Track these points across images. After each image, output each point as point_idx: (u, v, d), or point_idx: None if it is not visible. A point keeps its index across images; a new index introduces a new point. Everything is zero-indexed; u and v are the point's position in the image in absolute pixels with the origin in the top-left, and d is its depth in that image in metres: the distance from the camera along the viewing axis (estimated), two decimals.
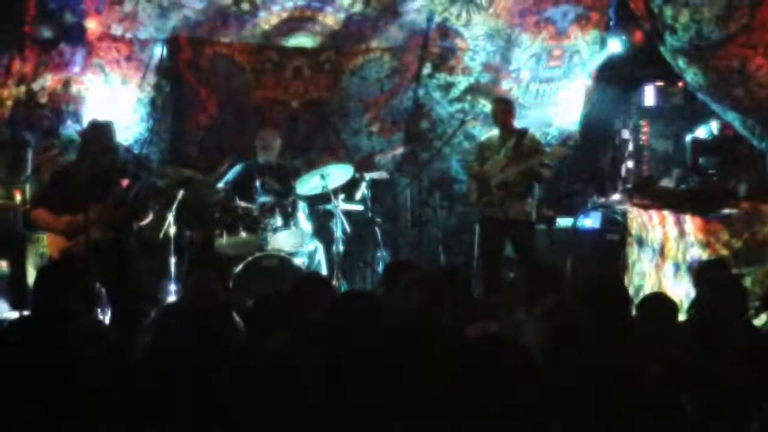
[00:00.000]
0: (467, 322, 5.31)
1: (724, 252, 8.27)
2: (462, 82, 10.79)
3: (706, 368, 4.28)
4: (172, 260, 8.71)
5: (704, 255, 8.32)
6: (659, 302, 5.72)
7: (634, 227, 9.46)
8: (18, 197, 9.44)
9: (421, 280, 5.18)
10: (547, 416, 3.71)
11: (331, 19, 10.20)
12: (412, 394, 3.91)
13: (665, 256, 8.85)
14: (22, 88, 9.60)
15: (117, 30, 9.77)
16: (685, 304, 7.86)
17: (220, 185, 9.30)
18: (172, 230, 8.76)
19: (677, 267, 8.60)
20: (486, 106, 10.56)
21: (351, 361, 4.11)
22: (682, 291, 8.22)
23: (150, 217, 7.87)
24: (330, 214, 9.56)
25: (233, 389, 3.94)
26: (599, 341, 4.38)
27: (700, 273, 6.67)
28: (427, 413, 3.80)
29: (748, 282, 7.90)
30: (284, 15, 10.09)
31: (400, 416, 3.85)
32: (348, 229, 9.47)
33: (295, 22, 10.16)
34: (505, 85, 10.80)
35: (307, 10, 10.09)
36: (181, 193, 8.71)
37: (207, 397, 3.97)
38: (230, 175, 9.45)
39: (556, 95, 10.98)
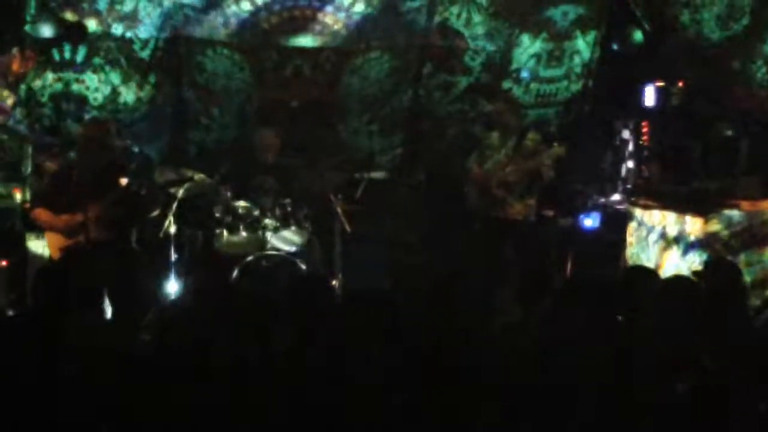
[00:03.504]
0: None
1: (724, 252, 8.26)
2: (462, 82, 10.79)
3: (710, 367, 4.28)
4: (173, 259, 8.71)
5: (704, 255, 8.32)
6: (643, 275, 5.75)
7: (633, 227, 9.45)
8: (18, 196, 9.44)
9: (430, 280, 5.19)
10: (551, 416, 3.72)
11: (331, 18, 10.19)
12: (420, 394, 3.92)
13: (665, 257, 8.85)
14: (23, 87, 9.61)
15: (117, 29, 9.76)
16: None
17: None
18: (173, 229, 8.76)
19: (677, 267, 8.59)
20: (486, 105, 10.56)
21: (355, 360, 4.11)
22: None
23: (157, 211, 7.89)
24: (330, 214, 9.54)
25: (232, 389, 3.95)
26: (597, 341, 4.39)
27: (707, 272, 6.63)
28: (431, 412, 3.81)
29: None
30: (285, 14, 10.08)
31: (404, 415, 3.86)
32: (348, 228, 9.45)
33: (295, 22, 10.15)
34: (505, 85, 10.80)
35: (308, 9, 10.08)
36: (181, 192, 8.73)
37: (207, 397, 3.97)
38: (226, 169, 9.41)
39: (556, 95, 10.98)
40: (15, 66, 9.45)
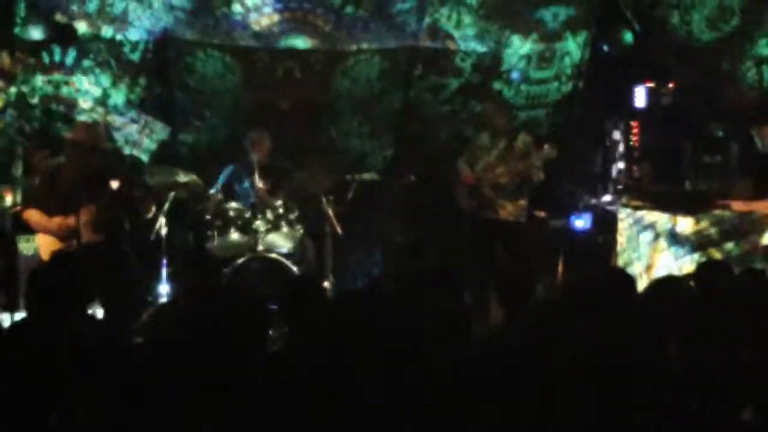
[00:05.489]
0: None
1: (716, 253, 8.28)
2: (453, 84, 10.79)
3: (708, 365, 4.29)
4: (164, 261, 8.70)
5: (695, 256, 8.33)
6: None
7: (624, 228, 9.46)
8: (8, 198, 9.41)
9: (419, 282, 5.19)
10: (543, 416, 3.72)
11: (321, 20, 10.19)
12: (413, 395, 3.91)
13: (656, 257, 8.86)
14: (13, 90, 9.59)
15: (107, 31, 9.76)
16: None
17: (213, 191, 9.27)
18: (164, 231, 8.76)
19: (668, 268, 8.61)
20: (477, 107, 10.57)
21: (350, 360, 4.11)
22: None
23: (152, 212, 7.90)
24: (321, 216, 9.54)
25: (227, 390, 3.94)
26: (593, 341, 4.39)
27: (699, 274, 6.62)
28: (426, 413, 3.81)
29: None
30: (275, 17, 10.08)
31: (400, 417, 3.85)
32: (339, 230, 9.44)
33: (286, 24, 10.15)
34: (496, 87, 10.81)
35: (298, 11, 10.08)
36: (172, 195, 8.73)
37: (201, 398, 3.97)
38: (222, 178, 9.43)
39: (547, 96, 11.00)
40: (4, 68, 9.43)
